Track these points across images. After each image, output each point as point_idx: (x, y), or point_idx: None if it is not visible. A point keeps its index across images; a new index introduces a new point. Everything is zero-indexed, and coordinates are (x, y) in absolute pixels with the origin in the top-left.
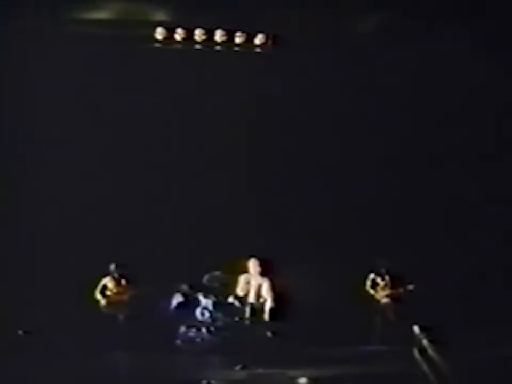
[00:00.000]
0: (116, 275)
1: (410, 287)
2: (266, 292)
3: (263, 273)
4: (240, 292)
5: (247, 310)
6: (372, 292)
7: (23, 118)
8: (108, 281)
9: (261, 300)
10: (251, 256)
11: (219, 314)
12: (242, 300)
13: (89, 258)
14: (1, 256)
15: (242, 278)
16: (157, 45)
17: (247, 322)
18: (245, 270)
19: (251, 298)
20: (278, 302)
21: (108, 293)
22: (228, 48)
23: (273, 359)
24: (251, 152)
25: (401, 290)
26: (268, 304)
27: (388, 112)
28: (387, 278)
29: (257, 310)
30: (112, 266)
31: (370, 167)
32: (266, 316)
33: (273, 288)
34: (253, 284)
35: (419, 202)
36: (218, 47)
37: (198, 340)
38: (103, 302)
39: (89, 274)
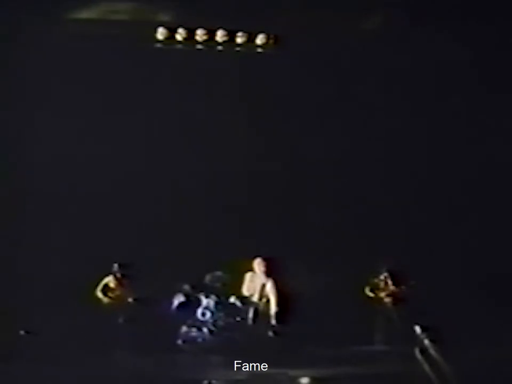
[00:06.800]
0: (118, 274)
1: (411, 283)
2: (269, 293)
3: (267, 274)
4: (246, 291)
5: (250, 313)
6: (373, 292)
7: (23, 117)
8: (110, 281)
9: (264, 300)
10: (253, 256)
11: (221, 315)
12: (245, 300)
13: (90, 257)
14: (2, 255)
15: (247, 277)
16: (158, 45)
17: (249, 322)
18: (247, 270)
19: (255, 298)
20: (280, 302)
21: (110, 292)
22: (229, 48)
23: (274, 359)
24: (252, 152)
25: (402, 287)
26: (273, 308)
27: (389, 112)
28: (388, 278)
29: (260, 311)
30: (115, 266)
31: (372, 166)
32: (273, 321)
33: (277, 290)
34: (258, 283)
35: (421, 202)
36: (219, 47)
37: (200, 340)
38: (104, 301)
39: (91, 274)
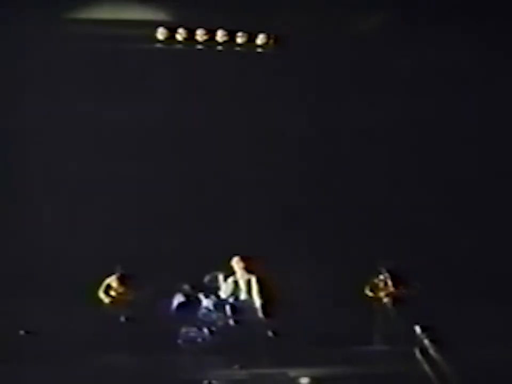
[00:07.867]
0: (119, 274)
1: (412, 286)
2: (252, 288)
3: (251, 270)
4: (223, 294)
5: (227, 308)
6: (373, 292)
7: (23, 117)
8: (112, 281)
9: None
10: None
11: (220, 314)
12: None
13: (92, 258)
14: (4, 255)
15: (230, 281)
16: (159, 45)
17: (248, 322)
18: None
19: (243, 295)
20: (280, 302)
21: (112, 292)
22: (229, 48)
23: (274, 359)
24: (252, 152)
25: (403, 290)
26: (257, 302)
27: (389, 113)
28: (388, 277)
29: (250, 306)
30: (116, 266)
31: (371, 166)
32: (259, 314)
33: (261, 284)
34: (242, 282)
35: (421, 202)
36: (219, 47)
37: (199, 339)
38: (106, 301)
39: (92, 274)
